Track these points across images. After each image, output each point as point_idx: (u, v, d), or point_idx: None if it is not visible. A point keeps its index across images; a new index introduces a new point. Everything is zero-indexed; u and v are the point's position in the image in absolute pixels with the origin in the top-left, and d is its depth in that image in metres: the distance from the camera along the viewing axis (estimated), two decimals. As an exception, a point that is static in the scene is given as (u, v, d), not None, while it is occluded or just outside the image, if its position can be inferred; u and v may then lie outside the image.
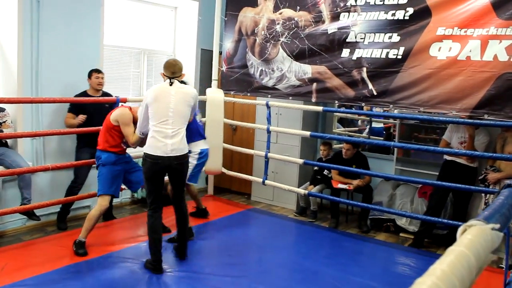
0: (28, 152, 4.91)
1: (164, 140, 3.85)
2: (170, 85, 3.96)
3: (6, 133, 4.47)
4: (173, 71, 4.02)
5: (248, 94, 6.04)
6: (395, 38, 4.75)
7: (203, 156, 4.90)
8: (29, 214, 4.58)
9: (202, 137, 4.96)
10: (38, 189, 4.96)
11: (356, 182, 5.51)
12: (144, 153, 3.93)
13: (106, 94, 5.17)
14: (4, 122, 4.58)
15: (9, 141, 4.76)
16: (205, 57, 6.80)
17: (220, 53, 6.28)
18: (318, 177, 5.93)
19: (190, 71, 6.83)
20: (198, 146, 4.83)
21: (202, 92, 6.59)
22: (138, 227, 5.03)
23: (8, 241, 4.61)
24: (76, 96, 4.97)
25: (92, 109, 4.95)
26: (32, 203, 4.53)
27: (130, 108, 4.38)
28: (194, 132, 4.76)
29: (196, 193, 5.34)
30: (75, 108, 4.96)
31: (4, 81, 4.90)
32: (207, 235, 4.89)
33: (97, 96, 5.04)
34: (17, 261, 3.98)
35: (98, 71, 5.04)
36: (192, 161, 4.72)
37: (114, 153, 4.39)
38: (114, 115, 4.32)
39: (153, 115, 3.90)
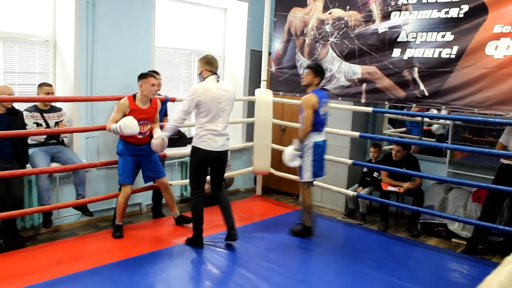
0: (83, 150, 5.09)
1: (215, 137, 4.17)
2: (217, 81, 4.18)
3: (59, 129, 4.70)
4: (216, 66, 4.23)
5: (297, 95, 6.00)
6: (449, 37, 4.60)
7: (316, 147, 4.64)
8: (83, 209, 4.76)
9: (317, 129, 4.66)
10: (91, 186, 5.14)
11: (406, 184, 5.38)
12: (194, 146, 4.23)
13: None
14: (61, 121, 4.77)
15: (65, 139, 4.96)
16: (255, 57, 6.83)
17: (269, 53, 6.28)
18: (368, 179, 5.84)
19: (239, 71, 6.89)
20: (311, 138, 4.63)
21: (251, 92, 6.64)
22: (187, 224, 5.11)
23: (63, 235, 4.81)
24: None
25: None
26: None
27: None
28: (315, 124, 4.62)
29: (308, 205, 4.92)
30: None
31: (61, 82, 5.11)
32: (254, 235, 4.90)
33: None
34: (72, 254, 4.15)
35: (156, 72, 5.15)
36: (307, 153, 4.63)
37: (130, 143, 4.56)
38: None
39: (205, 114, 4.12)
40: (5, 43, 4.76)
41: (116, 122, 4.35)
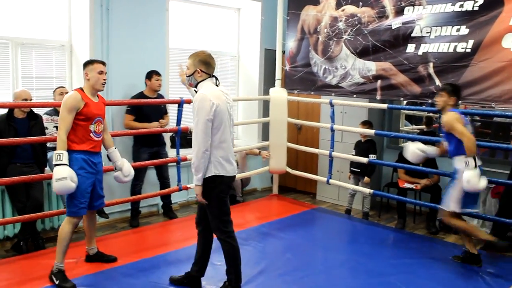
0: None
1: (232, 159, 3.31)
2: (217, 85, 3.33)
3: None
4: (214, 67, 3.34)
5: (312, 93, 5.99)
6: (464, 30, 4.54)
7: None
8: (99, 212, 4.81)
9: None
10: (107, 189, 5.18)
11: (423, 181, 5.33)
12: (209, 176, 3.20)
13: (160, 96, 5.34)
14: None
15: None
16: (269, 56, 6.84)
17: (283, 52, 6.29)
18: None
19: (254, 71, 6.91)
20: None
21: (266, 91, 6.65)
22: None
23: (82, 236, 4.85)
24: (134, 96, 5.19)
25: (149, 110, 5.17)
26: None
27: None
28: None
29: (472, 231, 4.25)
30: (133, 109, 5.15)
31: (78, 86, 5.15)
32: (272, 234, 4.92)
33: (153, 98, 5.23)
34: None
35: (158, 73, 5.21)
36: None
37: (84, 153, 3.71)
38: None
39: (217, 129, 3.19)
40: (23, 48, 4.85)
41: (69, 126, 3.56)
